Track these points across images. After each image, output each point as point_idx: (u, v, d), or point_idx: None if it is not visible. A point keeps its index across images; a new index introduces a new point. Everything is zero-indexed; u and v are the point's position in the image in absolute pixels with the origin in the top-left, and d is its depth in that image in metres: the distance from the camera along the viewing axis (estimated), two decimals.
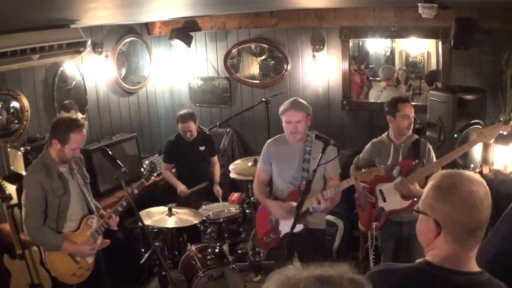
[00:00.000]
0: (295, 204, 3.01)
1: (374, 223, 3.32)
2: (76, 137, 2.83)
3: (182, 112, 4.41)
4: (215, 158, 4.66)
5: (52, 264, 2.91)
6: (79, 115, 4.67)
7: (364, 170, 3.06)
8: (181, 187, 4.28)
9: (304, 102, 3.15)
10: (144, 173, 3.25)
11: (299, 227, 3.05)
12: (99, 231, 3.01)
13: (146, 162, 3.34)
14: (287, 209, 3.07)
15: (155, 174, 3.32)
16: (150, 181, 3.35)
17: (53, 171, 2.85)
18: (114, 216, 3.04)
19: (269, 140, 3.34)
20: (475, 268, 1.32)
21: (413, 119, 3.30)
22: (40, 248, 3.08)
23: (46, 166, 2.84)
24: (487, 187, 1.31)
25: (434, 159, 3.29)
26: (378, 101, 5.81)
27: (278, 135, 3.32)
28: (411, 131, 3.32)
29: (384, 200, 3.31)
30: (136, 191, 3.13)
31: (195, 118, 4.38)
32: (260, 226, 3.37)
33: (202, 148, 4.46)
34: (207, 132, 4.60)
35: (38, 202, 2.79)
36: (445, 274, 1.30)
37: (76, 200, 2.96)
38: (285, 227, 3.12)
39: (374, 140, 3.51)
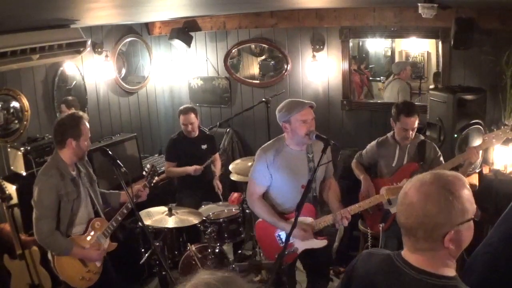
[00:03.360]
0: (310, 219, 2.97)
1: (381, 225, 3.31)
2: (85, 127, 2.91)
3: (183, 106, 4.48)
4: (217, 155, 4.70)
5: (61, 268, 2.89)
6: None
7: (394, 184, 3.04)
8: (191, 168, 4.29)
9: None
10: (147, 176, 3.25)
11: (323, 243, 3.02)
12: (106, 233, 3.01)
13: (148, 166, 3.31)
14: (305, 228, 2.90)
15: (156, 178, 3.30)
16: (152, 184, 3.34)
17: (66, 175, 2.85)
18: (120, 218, 3.04)
19: (263, 150, 2.99)
20: (439, 271, 1.28)
21: (411, 132, 3.25)
22: (42, 249, 3.08)
23: (59, 171, 2.84)
24: (431, 204, 1.24)
25: (442, 159, 3.28)
26: (378, 101, 5.84)
27: (270, 142, 3.04)
28: (409, 140, 3.30)
29: (390, 203, 3.29)
30: (140, 198, 3.16)
31: (197, 112, 4.41)
32: (265, 244, 3.18)
33: (204, 146, 4.48)
34: (207, 132, 4.61)
35: (52, 206, 2.78)
36: (404, 266, 1.33)
37: (85, 204, 2.96)
38: (301, 243, 2.98)
39: (379, 139, 3.49)
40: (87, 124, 2.95)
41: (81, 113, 2.98)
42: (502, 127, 3.18)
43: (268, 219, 2.99)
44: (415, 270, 1.29)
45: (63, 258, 2.87)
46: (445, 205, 1.23)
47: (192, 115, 4.34)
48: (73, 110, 4.57)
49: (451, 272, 1.30)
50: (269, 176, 2.97)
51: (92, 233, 2.97)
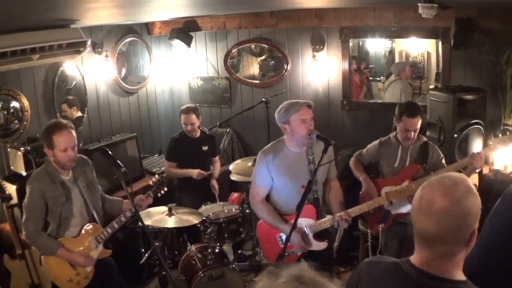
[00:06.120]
0: (311, 221, 2.96)
1: (380, 226, 3.30)
2: (58, 138, 2.79)
3: (186, 105, 4.47)
4: (217, 157, 4.69)
5: (48, 267, 2.89)
6: (79, 113, 4.69)
7: (395, 188, 3.02)
8: (195, 171, 4.29)
9: None
10: (153, 186, 3.20)
11: (323, 245, 3.00)
12: (100, 239, 2.97)
13: (156, 176, 3.28)
14: (304, 237, 2.91)
15: (165, 189, 3.23)
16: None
17: (56, 179, 2.86)
18: (116, 226, 3.01)
19: (263, 152, 3.00)
20: (453, 276, 1.29)
21: (413, 133, 3.23)
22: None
23: (49, 175, 2.86)
24: (461, 205, 1.24)
25: (444, 162, 3.28)
26: (378, 101, 5.84)
27: (270, 145, 3.05)
28: (411, 141, 3.29)
29: (390, 203, 3.29)
30: (140, 208, 3.13)
31: (199, 113, 4.38)
32: (266, 245, 3.16)
33: (205, 148, 4.47)
34: (207, 132, 4.60)
35: (37, 209, 2.81)
36: (416, 274, 1.31)
37: (78, 209, 2.94)
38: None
39: (382, 139, 3.48)
40: (64, 135, 2.80)
41: (63, 123, 2.87)
42: (508, 132, 3.16)
43: (269, 221, 2.99)
44: (429, 276, 1.29)
45: (51, 258, 2.87)
46: (473, 205, 1.25)
47: (193, 116, 4.32)
48: (74, 110, 4.61)
49: (462, 275, 1.31)
50: (270, 178, 2.98)
51: (85, 237, 2.95)
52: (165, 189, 3.22)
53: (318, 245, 3.00)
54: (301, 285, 0.98)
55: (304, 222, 2.93)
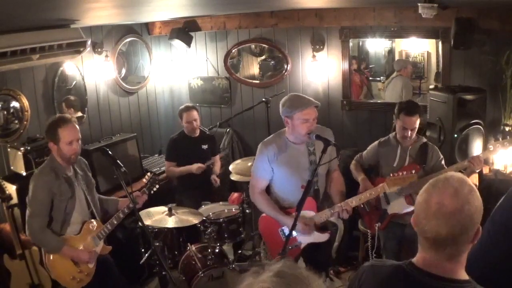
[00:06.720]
0: (312, 213, 2.96)
1: (377, 224, 3.30)
2: (64, 131, 2.83)
3: (184, 105, 4.51)
4: (217, 156, 4.70)
5: (52, 266, 2.90)
6: (78, 114, 4.68)
7: (395, 175, 2.99)
8: (194, 166, 4.30)
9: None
10: (146, 183, 3.24)
11: (325, 237, 3.01)
12: (100, 235, 3.00)
13: (148, 173, 3.31)
14: (307, 222, 2.91)
15: (157, 186, 3.26)
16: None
17: (61, 174, 2.86)
18: (115, 222, 3.03)
19: (264, 144, 3.00)
20: (458, 276, 1.29)
21: (410, 132, 3.22)
22: (40, 248, 3.09)
23: (54, 170, 2.86)
24: (469, 204, 1.25)
25: (443, 163, 3.28)
26: (378, 101, 5.84)
27: (271, 137, 3.05)
28: (409, 140, 3.28)
29: (388, 203, 3.29)
30: (138, 204, 3.13)
31: (198, 110, 4.48)
32: (269, 239, 3.16)
33: (204, 146, 4.48)
34: (207, 132, 4.61)
35: (45, 204, 2.80)
36: (422, 276, 1.30)
37: (80, 205, 2.96)
38: (304, 237, 3.00)
39: (381, 139, 3.48)
40: (69, 128, 2.84)
41: (67, 117, 2.91)
42: (508, 136, 3.16)
43: (269, 213, 3.01)
44: (435, 278, 1.29)
45: (55, 257, 2.88)
46: (478, 202, 1.27)
47: (195, 112, 4.40)
48: (71, 110, 4.61)
49: (466, 274, 1.31)
50: (270, 170, 2.98)
51: (86, 234, 2.96)
52: (157, 186, 3.25)
53: (320, 237, 3.01)
54: (281, 279, 0.99)
55: (305, 215, 2.94)
